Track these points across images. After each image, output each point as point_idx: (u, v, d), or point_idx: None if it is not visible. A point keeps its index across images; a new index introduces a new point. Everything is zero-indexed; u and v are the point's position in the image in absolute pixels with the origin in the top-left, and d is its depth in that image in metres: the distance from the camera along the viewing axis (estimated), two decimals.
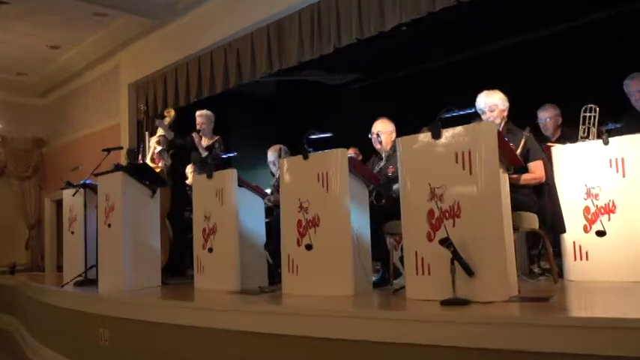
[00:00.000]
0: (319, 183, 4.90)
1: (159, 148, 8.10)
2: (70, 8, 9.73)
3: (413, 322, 3.51)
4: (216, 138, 7.89)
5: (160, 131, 8.16)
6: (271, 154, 7.15)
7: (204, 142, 7.86)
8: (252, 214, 6.04)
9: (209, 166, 7.11)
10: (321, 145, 5.15)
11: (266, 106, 11.42)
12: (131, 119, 11.15)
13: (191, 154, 8.09)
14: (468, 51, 9.27)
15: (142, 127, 9.77)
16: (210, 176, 6.11)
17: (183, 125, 8.29)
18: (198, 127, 7.86)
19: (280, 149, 7.01)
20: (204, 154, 7.73)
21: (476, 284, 3.87)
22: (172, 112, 8.38)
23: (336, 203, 4.80)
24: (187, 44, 9.85)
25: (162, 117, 8.37)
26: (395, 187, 5.47)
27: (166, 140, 8.14)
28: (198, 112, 7.97)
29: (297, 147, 5.22)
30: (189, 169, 8.68)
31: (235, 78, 8.92)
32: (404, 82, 10.13)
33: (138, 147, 9.63)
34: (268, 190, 6.85)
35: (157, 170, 7.60)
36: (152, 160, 8.05)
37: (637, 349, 2.81)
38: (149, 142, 8.43)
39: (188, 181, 8.64)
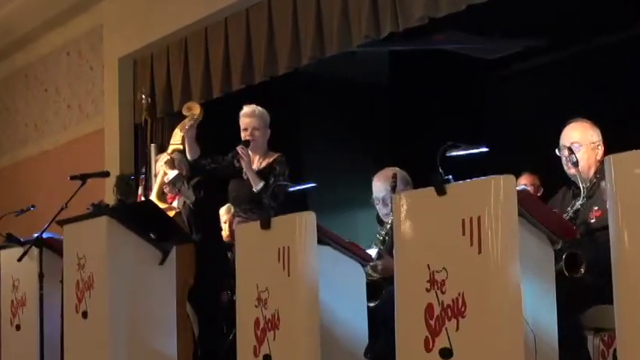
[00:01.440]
0: (465, 237, 5.09)
1: (172, 173, 8.33)
2: None
3: None
4: (277, 156, 8.15)
5: (176, 141, 8.37)
6: (379, 185, 7.28)
7: (256, 163, 8.11)
8: (343, 293, 6.30)
9: (265, 207, 7.37)
10: (469, 169, 5.34)
11: (369, 99, 11.55)
12: (124, 122, 11.49)
13: (229, 186, 8.28)
14: None
15: (145, 135, 10.04)
16: (267, 225, 6.38)
17: (217, 133, 8.55)
18: (244, 136, 8.11)
19: (395, 177, 7.12)
20: (258, 185, 7.89)
21: None
22: (198, 110, 8.60)
23: (495, 274, 4.97)
24: None
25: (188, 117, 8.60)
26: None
27: (185, 160, 8.43)
28: (245, 110, 8.23)
29: (425, 172, 5.43)
30: (225, 213, 8.90)
31: (313, 48, 9.13)
32: (615, 55, 10.01)
33: (137, 172, 9.89)
34: (372, 251, 7.03)
35: (171, 214, 7.86)
36: (161, 195, 8.32)
37: None
38: (156, 162, 8.69)
39: (225, 234, 8.86)
